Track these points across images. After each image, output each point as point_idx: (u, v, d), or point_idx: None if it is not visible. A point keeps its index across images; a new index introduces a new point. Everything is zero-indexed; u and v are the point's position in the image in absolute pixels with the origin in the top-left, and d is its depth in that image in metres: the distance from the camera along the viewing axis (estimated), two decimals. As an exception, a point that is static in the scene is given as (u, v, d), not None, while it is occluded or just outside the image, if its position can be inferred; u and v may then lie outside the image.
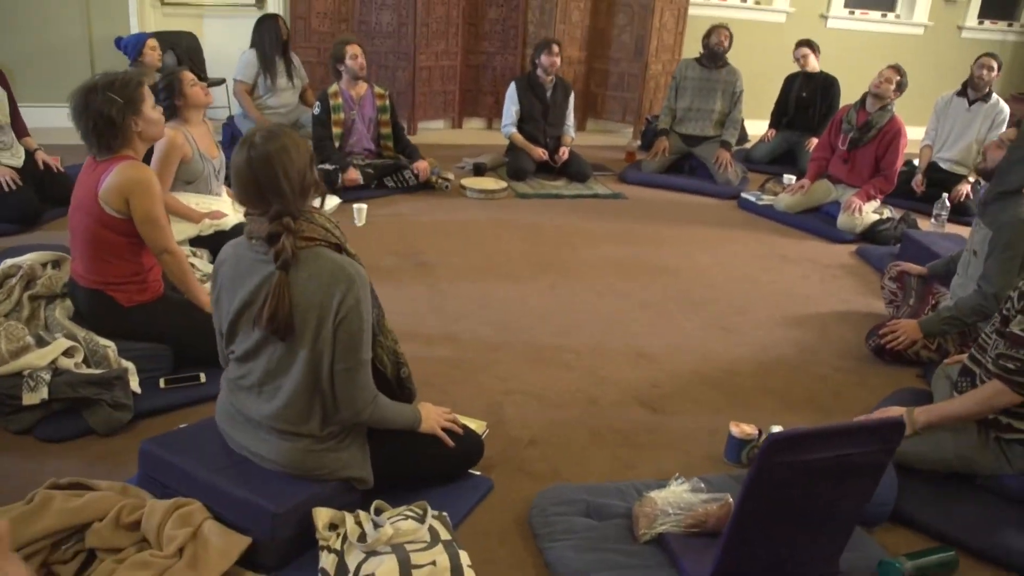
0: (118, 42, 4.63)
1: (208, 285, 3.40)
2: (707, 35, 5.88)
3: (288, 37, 5.55)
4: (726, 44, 5.82)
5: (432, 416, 2.21)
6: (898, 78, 4.85)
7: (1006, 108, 5.41)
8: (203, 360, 2.69)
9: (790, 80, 6.46)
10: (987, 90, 5.43)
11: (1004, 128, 5.29)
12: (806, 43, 6.39)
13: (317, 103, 5.06)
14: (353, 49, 5.00)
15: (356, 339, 1.90)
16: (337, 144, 5.04)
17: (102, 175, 2.60)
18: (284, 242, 1.85)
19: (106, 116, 2.55)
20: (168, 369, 2.72)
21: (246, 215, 1.96)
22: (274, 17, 5.51)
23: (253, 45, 5.45)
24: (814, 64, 6.33)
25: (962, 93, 5.55)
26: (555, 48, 5.61)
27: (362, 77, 5.07)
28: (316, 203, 2.00)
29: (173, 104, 3.62)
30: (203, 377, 2.69)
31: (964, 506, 2.33)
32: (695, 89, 5.89)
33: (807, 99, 6.28)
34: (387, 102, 5.21)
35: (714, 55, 5.83)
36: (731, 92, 5.85)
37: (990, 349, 2.42)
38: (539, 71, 5.65)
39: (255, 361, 1.97)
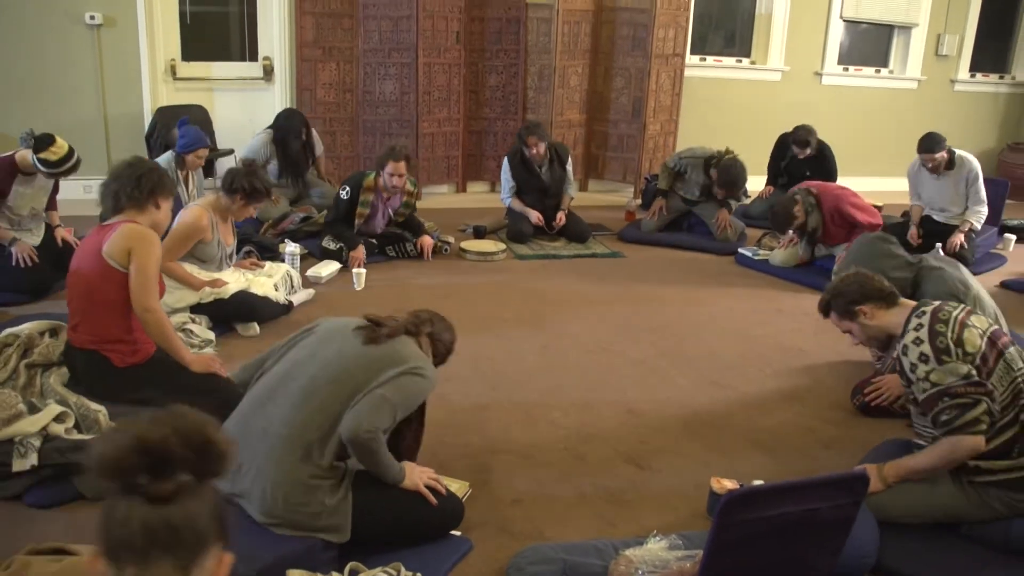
0: (181, 123, 4.80)
1: (205, 351, 3.47)
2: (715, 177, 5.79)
3: (307, 130, 5.68)
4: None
5: (415, 474, 2.24)
6: (798, 206, 5.03)
7: (974, 162, 5.35)
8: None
9: (781, 145, 6.49)
10: (948, 164, 5.35)
11: (980, 180, 5.29)
12: (803, 140, 6.19)
13: (346, 188, 4.97)
14: (394, 167, 4.85)
15: (407, 391, 2.16)
16: (355, 224, 5.02)
17: (108, 233, 2.77)
18: (423, 326, 2.41)
19: (141, 181, 2.81)
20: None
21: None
22: (299, 117, 5.68)
23: (274, 139, 5.60)
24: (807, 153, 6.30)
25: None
26: (531, 140, 5.56)
27: (394, 193, 5.00)
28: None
29: (239, 195, 3.83)
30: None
31: (948, 556, 2.30)
32: (693, 183, 5.90)
33: (797, 172, 6.29)
34: (414, 200, 5.16)
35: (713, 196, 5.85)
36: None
37: (928, 429, 2.47)
38: (527, 150, 5.65)
39: (299, 372, 2.19)
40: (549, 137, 5.87)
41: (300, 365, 2.20)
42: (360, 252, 4.85)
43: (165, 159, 4.65)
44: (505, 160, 5.81)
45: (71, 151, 3.98)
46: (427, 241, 5.19)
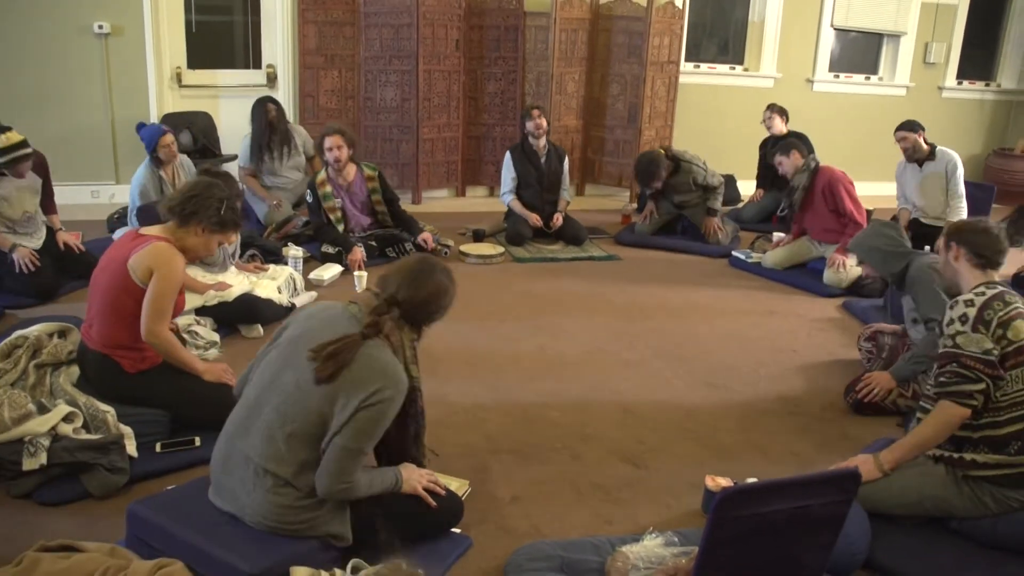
0: (139, 128, 4.76)
1: (209, 353, 3.47)
2: (641, 177, 5.82)
3: (277, 116, 5.63)
4: (659, 180, 5.71)
5: (414, 477, 2.22)
6: (785, 155, 5.14)
7: (954, 155, 5.39)
8: (198, 425, 2.74)
9: (763, 146, 6.56)
10: (927, 150, 5.38)
11: (959, 172, 5.32)
12: (771, 107, 6.47)
13: (308, 191, 5.06)
14: (330, 140, 4.89)
15: (368, 428, 1.98)
16: (341, 227, 5.03)
17: (139, 245, 2.70)
18: (382, 320, 2.04)
19: (188, 200, 2.71)
20: (165, 434, 2.75)
21: (373, 292, 2.15)
22: (261, 102, 5.64)
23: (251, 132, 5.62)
24: (780, 127, 6.39)
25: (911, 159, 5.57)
26: (536, 112, 5.69)
27: (341, 168, 4.98)
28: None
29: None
30: (198, 441, 2.72)
31: (938, 552, 2.31)
32: (660, 202, 5.96)
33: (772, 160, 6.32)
34: (377, 183, 5.17)
35: (658, 192, 5.86)
36: (691, 186, 5.78)
37: (929, 383, 2.50)
38: (530, 139, 5.74)
39: (270, 395, 2.04)
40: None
41: (267, 391, 2.06)
42: (358, 254, 4.86)
43: (141, 170, 4.64)
44: (507, 154, 5.83)
45: (23, 142, 4.01)
46: (427, 236, 5.21)
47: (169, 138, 4.66)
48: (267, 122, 5.57)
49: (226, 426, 2.14)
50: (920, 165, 5.42)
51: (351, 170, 5.10)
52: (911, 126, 5.37)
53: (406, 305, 2.11)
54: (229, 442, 2.10)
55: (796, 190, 5.10)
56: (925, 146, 5.34)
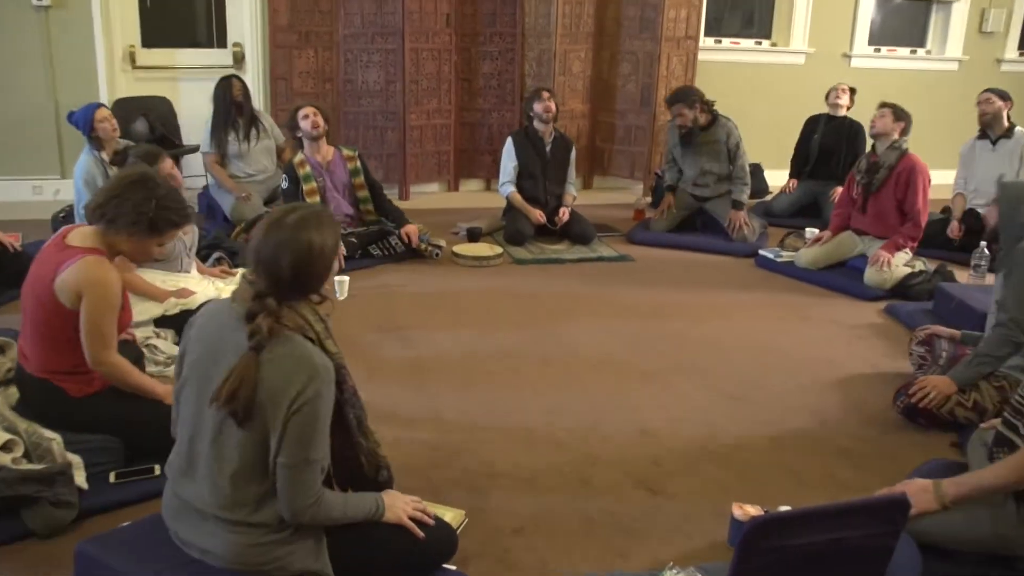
0: (70, 117, 4.75)
1: (170, 370, 3.46)
2: (670, 111, 5.92)
3: (243, 95, 5.70)
4: (689, 119, 5.76)
5: (398, 504, 2.20)
6: (889, 109, 4.96)
7: None
8: (157, 452, 2.70)
9: (811, 124, 6.55)
10: (1006, 126, 5.47)
11: None
12: (848, 87, 6.49)
13: (283, 176, 5.16)
14: (304, 111, 5.14)
15: (307, 435, 1.92)
16: None
17: (66, 261, 2.61)
18: (260, 322, 1.91)
19: (123, 204, 2.62)
20: (120, 462, 2.73)
21: (243, 276, 2.04)
22: (226, 79, 5.70)
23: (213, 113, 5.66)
24: (845, 102, 6.42)
25: (983, 136, 5.62)
26: (546, 94, 5.72)
27: (319, 136, 5.15)
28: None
29: None
30: (157, 470, 2.70)
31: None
32: (685, 157, 5.98)
33: (830, 146, 6.35)
34: (358, 164, 5.29)
35: (686, 137, 5.89)
36: (723, 150, 5.84)
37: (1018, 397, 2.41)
38: (536, 123, 5.75)
39: (199, 438, 2.00)
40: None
41: (195, 436, 2.01)
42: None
43: (82, 157, 4.64)
44: (508, 140, 5.85)
45: None
46: (411, 228, 5.25)
47: (104, 111, 4.69)
48: (231, 99, 5.59)
49: (168, 473, 2.10)
50: (993, 143, 5.46)
51: (329, 150, 5.22)
52: (1001, 93, 5.45)
53: (277, 287, 1.95)
54: (174, 493, 2.08)
55: (880, 167, 4.97)
56: (1006, 121, 5.37)
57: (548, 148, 5.81)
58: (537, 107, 5.71)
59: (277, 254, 1.93)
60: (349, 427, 2.12)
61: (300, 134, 5.15)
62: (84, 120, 4.61)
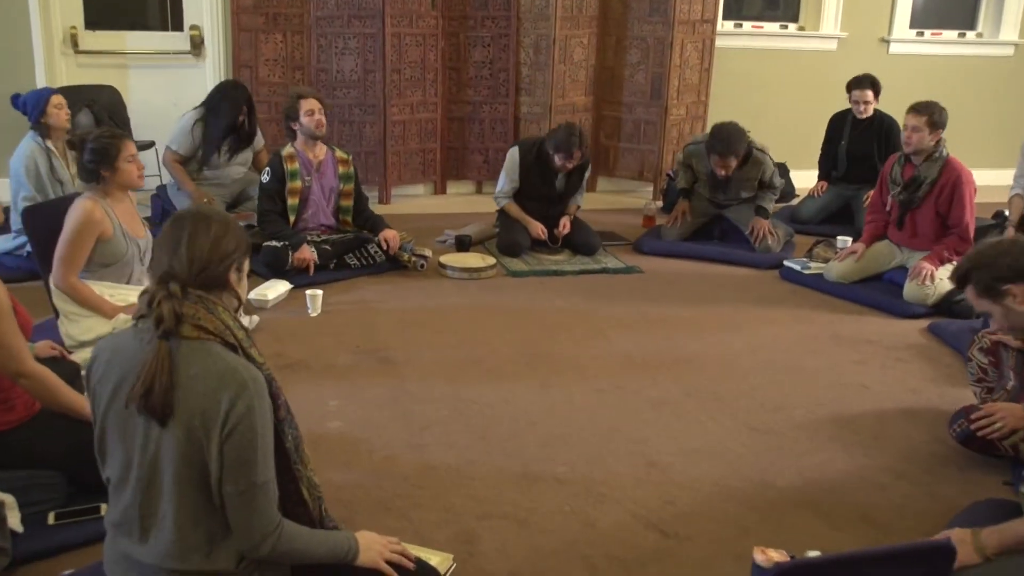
0: (15, 100, 4.78)
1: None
2: (710, 156, 5.76)
3: (248, 115, 5.71)
4: (732, 165, 5.68)
5: (375, 547, 2.21)
6: (925, 118, 4.90)
7: None
8: (104, 487, 2.71)
9: (836, 123, 6.57)
10: None
11: None
12: (868, 83, 6.35)
13: (267, 169, 5.15)
14: (309, 104, 5.11)
15: (248, 457, 1.91)
16: (292, 218, 5.13)
17: None
18: (162, 306, 1.91)
19: None
20: (60, 500, 2.74)
21: (141, 294, 2.03)
22: (236, 88, 5.71)
23: (203, 117, 5.63)
24: (869, 112, 6.38)
25: None
26: (576, 152, 5.49)
27: (320, 138, 5.19)
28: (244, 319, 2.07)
29: (98, 172, 3.72)
30: (104, 508, 2.70)
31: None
32: (713, 186, 5.94)
33: (858, 150, 6.35)
34: (351, 169, 5.32)
35: (721, 182, 5.85)
36: (756, 182, 5.86)
37: None
38: (555, 160, 5.57)
39: (133, 485, 1.98)
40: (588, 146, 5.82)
41: (125, 481, 2.00)
42: (306, 252, 4.98)
43: (24, 143, 4.66)
44: (514, 152, 5.75)
45: None
46: (390, 233, 5.26)
47: (61, 99, 4.75)
48: (237, 122, 5.62)
49: (107, 524, 2.10)
50: None
51: (322, 149, 5.25)
52: None
53: (174, 273, 1.97)
54: (115, 545, 2.07)
55: (921, 182, 4.98)
56: None
57: (558, 178, 5.73)
58: (557, 161, 5.54)
59: (175, 237, 1.99)
60: (287, 453, 2.10)
61: (297, 127, 5.13)
62: (35, 104, 4.65)
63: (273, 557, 2.00)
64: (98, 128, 3.88)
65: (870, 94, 6.33)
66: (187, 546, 1.95)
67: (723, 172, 5.69)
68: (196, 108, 5.70)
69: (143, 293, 2.00)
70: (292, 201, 5.12)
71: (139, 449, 1.95)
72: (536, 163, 5.66)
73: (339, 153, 5.33)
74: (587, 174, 5.95)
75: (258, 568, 2.02)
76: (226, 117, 5.61)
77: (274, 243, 5.00)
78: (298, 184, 5.13)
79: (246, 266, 2.12)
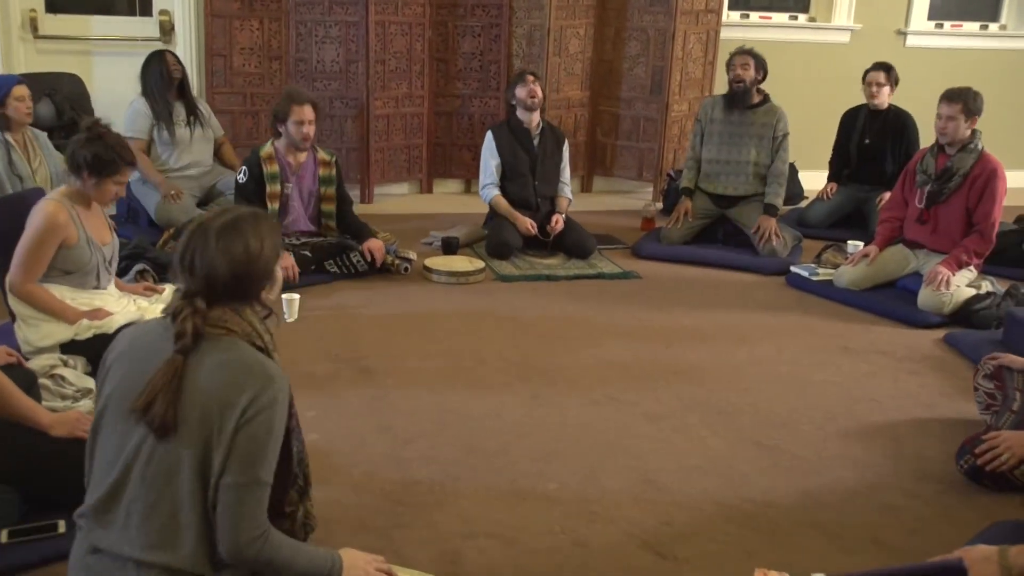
0: None
1: (81, 404, 3.46)
2: (727, 64, 6.07)
3: (183, 76, 5.75)
4: (749, 78, 5.92)
5: (359, 564, 2.23)
6: (960, 106, 4.91)
7: None
8: (61, 503, 2.71)
9: (849, 119, 6.61)
10: None
11: None
12: (883, 67, 6.43)
13: (243, 169, 5.14)
14: (302, 112, 5.05)
15: (258, 450, 1.98)
16: None
17: None
18: (184, 321, 2.00)
19: None
20: (14, 517, 2.72)
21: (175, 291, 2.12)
22: (160, 53, 5.75)
23: (142, 92, 5.68)
24: (885, 98, 6.45)
25: None
26: (530, 77, 5.80)
27: (305, 150, 5.18)
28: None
29: (84, 175, 3.71)
30: (62, 526, 2.70)
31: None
32: (722, 135, 6.03)
33: (873, 146, 6.39)
34: (333, 171, 5.30)
35: (735, 96, 5.99)
36: (769, 137, 5.96)
37: None
38: (519, 111, 5.83)
39: (124, 472, 2.01)
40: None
41: (120, 472, 2.03)
42: (289, 260, 4.93)
43: None
44: (488, 135, 5.91)
45: None
46: (375, 244, 5.26)
47: (24, 90, 4.73)
48: (168, 75, 5.63)
49: (81, 523, 2.11)
50: None
51: (304, 152, 5.22)
52: None
53: (210, 290, 2.04)
54: (87, 546, 2.08)
55: (954, 174, 4.99)
56: None
57: (536, 141, 5.88)
58: (520, 92, 5.78)
59: (213, 252, 2.03)
60: (289, 457, 2.18)
61: (283, 130, 5.10)
62: None
63: (255, 566, 2.03)
64: (106, 127, 3.85)
65: (883, 76, 6.39)
66: (167, 539, 1.99)
67: (739, 73, 5.91)
68: (141, 94, 5.76)
69: (167, 308, 2.08)
70: (272, 205, 5.10)
71: (137, 438, 2.00)
72: (509, 132, 5.87)
73: (321, 154, 5.30)
74: (565, 153, 6.03)
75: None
76: (154, 73, 5.65)
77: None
78: (276, 188, 5.12)
79: (278, 273, 2.19)
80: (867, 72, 6.46)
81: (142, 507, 2.00)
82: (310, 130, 5.08)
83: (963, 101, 4.92)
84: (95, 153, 3.65)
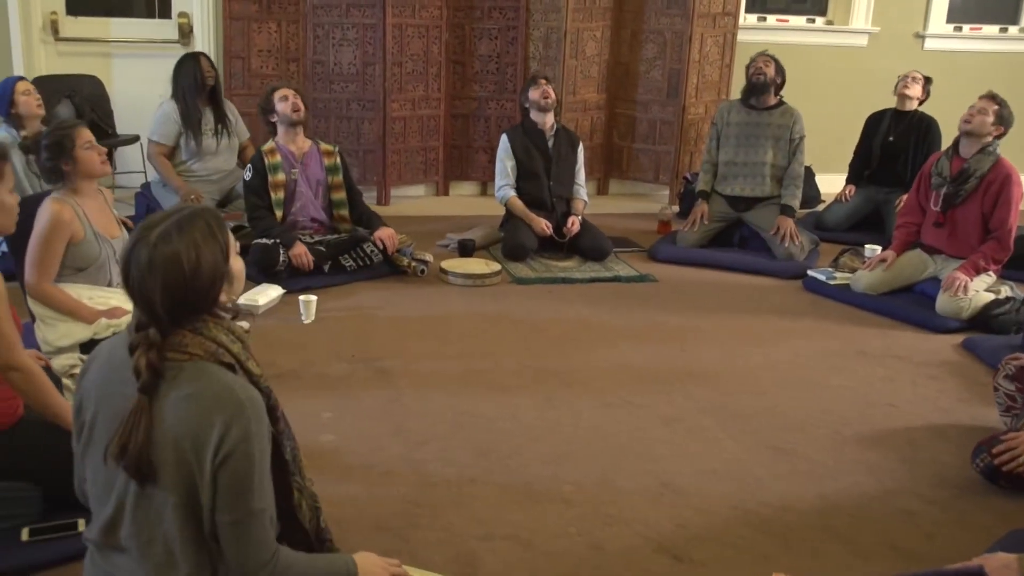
0: None
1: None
2: (747, 65, 6.08)
3: (216, 82, 5.78)
4: (769, 74, 5.96)
5: (374, 569, 2.22)
6: (996, 107, 4.92)
7: None
8: (80, 502, 2.73)
9: (874, 121, 6.60)
10: None
11: None
12: (923, 77, 6.53)
13: (248, 167, 5.23)
14: (282, 91, 5.25)
15: (244, 484, 1.90)
16: (280, 213, 5.19)
17: None
18: (140, 359, 1.88)
19: None
20: (35, 515, 2.74)
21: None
22: (195, 56, 5.75)
23: (173, 96, 5.67)
24: (915, 93, 6.45)
25: None
26: (543, 80, 5.85)
27: (299, 122, 5.26)
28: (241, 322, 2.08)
29: (59, 168, 3.72)
30: (82, 524, 2.71)
31: None
32: (739, 137, 6.04)
33: (896, 145, 6.39)
34: (337, 160, 5.39)
35: (754, 88, 6.01)
36: (786, 139, 5.97)
37: None
38: (532, 113, 5.86)
39: (116, 507, 1.98)
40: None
41: (109, 502, 2.00)
42: (301, 249, 5.04)
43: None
44: (503, 137, 5.95)
45: None
46: (386, 232, 5.31)
47: (26, 84, 4.80)
48: (201, 79, 5.65)
49: (88, 544, 2.10)
50: None
51: (306, 142, 5.34)
52: None
53: (154, 317, 1.90)
54: (101, 563, 2.08)
55: (970, 176, 4.99)
56: None
57: (550, 143, 5.90)
58: (533, 94, 5.82)
59: (144, 278, 1.89)
60: (285, 465, 2.13)
61: (275, 119, 5.23)
62: (1, 95, 4.66)
63: None
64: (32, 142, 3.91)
65: (920, 75, 6.47)
66: (167, 573, 1.95)
67: (759, 69, 6.00)
68: (171, 98, 5.76)
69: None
70: (277, 195, 5.19)
71: (123, 477, 1.93)
72: (523, 137, 5.91)
73: (324, 145, 5.41)
74: (580, 154, 6.05)
75: None
76: (187, 77, 5.66)
77: (264, 240, 5.04)
78: (281, 177, 5.20)
79: (233, 268, 2.04)
80: (901, 77, 6.52)
81: (137, 544, 1.97)
82: (297, 101, 5.23)
83: (1001, 104, 4.97)
84: (47, 147, 3.68)
